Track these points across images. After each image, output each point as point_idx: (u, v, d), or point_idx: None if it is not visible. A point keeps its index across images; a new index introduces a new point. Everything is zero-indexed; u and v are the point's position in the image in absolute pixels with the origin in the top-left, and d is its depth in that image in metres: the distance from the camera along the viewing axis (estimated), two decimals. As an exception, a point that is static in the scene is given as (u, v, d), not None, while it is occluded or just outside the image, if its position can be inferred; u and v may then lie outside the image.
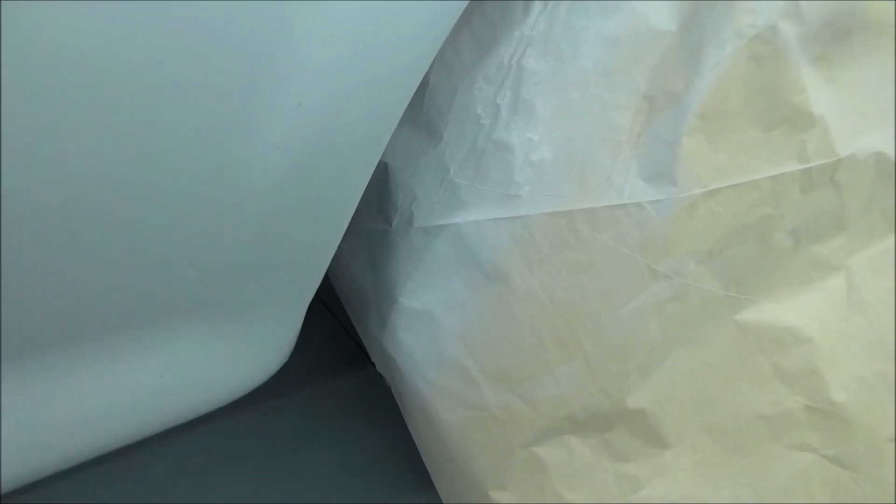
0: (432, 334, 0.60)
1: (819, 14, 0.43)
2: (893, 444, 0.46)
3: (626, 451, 0.53)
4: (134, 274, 0.47)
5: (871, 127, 0.44)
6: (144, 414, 0.57)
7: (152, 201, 0.44)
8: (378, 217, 0.65)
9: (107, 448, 0.56)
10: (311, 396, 0.98)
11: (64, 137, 0.38)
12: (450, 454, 0.63)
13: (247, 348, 0.59)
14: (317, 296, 0.61)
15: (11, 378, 0.47)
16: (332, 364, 1.04)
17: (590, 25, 0.50)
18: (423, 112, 0.60)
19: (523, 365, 0.55)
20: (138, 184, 0.42)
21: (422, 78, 0.49)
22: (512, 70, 0.54)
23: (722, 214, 0.47)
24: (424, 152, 0.60)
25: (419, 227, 0.60)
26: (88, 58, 0.37)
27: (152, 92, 0.39)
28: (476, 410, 0.59)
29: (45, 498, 0.76)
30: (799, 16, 0.44)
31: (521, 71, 0.53)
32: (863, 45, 0.44)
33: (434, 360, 0.60)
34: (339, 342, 1.08)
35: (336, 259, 0.65)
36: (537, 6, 0.52)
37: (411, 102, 0.50)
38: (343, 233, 0.55)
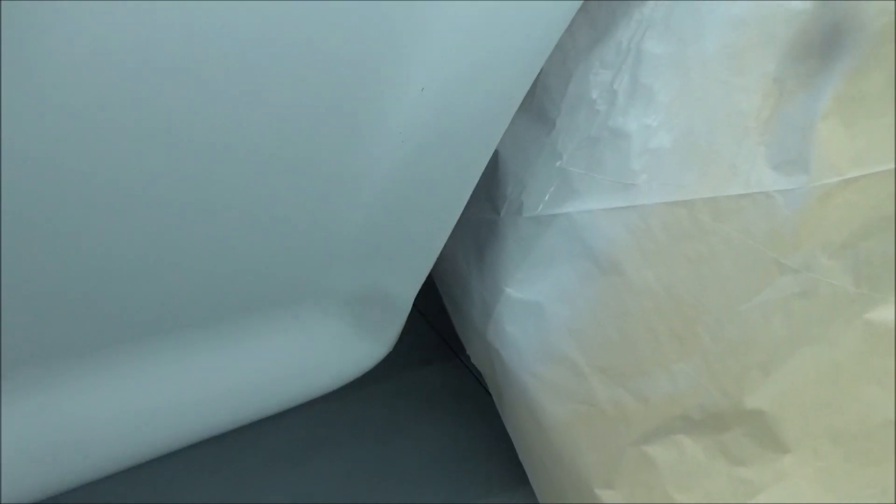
0: (540, 326, 0.60)
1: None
2: None
3: (742, 454, 0.51)
4: (262, 261, 0.49)
5: None
6: (255, 398, 0.59)
7: (277, 193, 0.46)
8: (485, 206, 0.65)
9: (211, 433, 0.58)
10: (398, 389, 0.99)
11: (203, 131, 0.41)
12: (553, 450, 0.63)
13: (357, 336, 0.60)
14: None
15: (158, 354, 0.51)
16: (417, 357, 1.05)
17: (716, 6, 0.48)
18: (534, 98, 0.59)
19: (636, 360, 0.54)
20: (268, 176, 0.44)
21: (544, 61, 0.48)
22: (630, 53, 0.53)
23: (859, 205, 0.44)
24: (535, 140, 0.60)
25: (529, 216, 0.60)
26: (219, 55, 0.38)
27: (284, 85, 0.41)
28: (584, 405, 0.58)
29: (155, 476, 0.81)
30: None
31: (640, 54, 0.52)
32: None
33: (541, 352, 0.60)
34: (422, 335, 1.09)
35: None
36: (658, -12, 0.51)
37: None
38: (456, 220, 0.56)
